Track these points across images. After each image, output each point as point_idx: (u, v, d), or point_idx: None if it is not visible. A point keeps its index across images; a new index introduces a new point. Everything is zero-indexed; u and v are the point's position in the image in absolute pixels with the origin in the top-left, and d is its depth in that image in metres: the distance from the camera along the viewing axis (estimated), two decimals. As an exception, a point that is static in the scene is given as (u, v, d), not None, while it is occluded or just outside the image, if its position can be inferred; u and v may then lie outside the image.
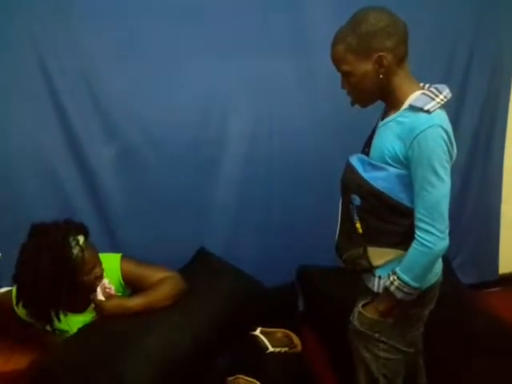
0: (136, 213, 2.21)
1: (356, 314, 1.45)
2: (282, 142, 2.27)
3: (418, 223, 1.26)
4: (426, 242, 1.24)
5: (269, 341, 1.89)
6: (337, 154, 2.21)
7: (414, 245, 1.27)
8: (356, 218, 1.36)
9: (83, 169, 2.11)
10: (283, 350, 1.90)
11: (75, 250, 1.56)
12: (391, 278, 1.32)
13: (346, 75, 1.31)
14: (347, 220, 1.40)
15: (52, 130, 2.04)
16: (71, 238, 1.57)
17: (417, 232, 1.26)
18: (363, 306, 1.43)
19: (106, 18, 1.97)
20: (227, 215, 2.30)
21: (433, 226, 1.23)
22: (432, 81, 1.34)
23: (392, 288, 1.31)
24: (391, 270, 1.34)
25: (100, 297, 1.65)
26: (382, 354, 1.42)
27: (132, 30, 2.01)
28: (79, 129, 2.06)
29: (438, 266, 1.40)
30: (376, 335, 1.40)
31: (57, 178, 2.10)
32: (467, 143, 2.48)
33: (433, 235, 1.24)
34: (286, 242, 2.37)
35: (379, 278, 1.38)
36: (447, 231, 1.26)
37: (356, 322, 1.44)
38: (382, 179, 1.29)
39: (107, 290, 1.67)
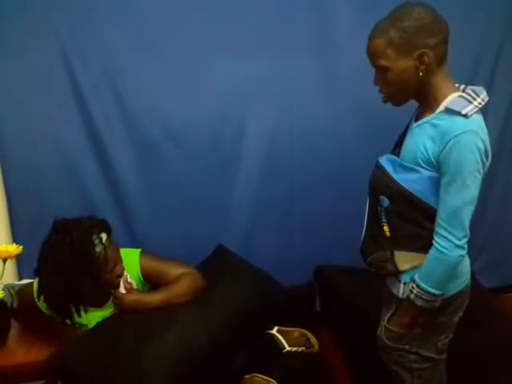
0: (155, 209, 2.22)
1: (383, 329, 1.41)
2: (303, 141, 2.25)
3: (437, 228, 1.23)
4: (442, 249, 1.21)
5: (286, 340, 1.88)
6: (358, 153, 2.23)
7: (431, 251, 1.25)
8: (384, 220, 1.33)
9: (104, 164, 2.13)
10: (300, 349, 1.89)
11: (98, 248, 1.56)
12: (410, 286, 1.29)
13: (382, 71, 1.25)
14: (374, 222, 1.37)
15: (74, 125, 2.07)
16: (94, 236, 1.57)
17: (434, 237, 1.24)
18: (388, 319, 1.39)
19: (129, 15, 1.99)
20: (246, 213, 2.29)
21: (450, 233, 1.20)
22: (456, 82, 1.31)
23: (412, 296, 1.29)
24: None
25: (121, 290, 1.66)
26: (414, 365, 1.39)
27: (154, 27, 2.02)
28: (101, 124, 2.08)
29: (466, 271, 1.36)
30: (406, 347, 1.37)
31: (78, 173, 2.13)
32: (492, 146, 2.42)
33: (449, 242, 1.21)
34: (305, 241, 2.35)
35: (405, 284, 1.35)
36: (465, 240, 1.22)
37: (384, 337, 1.40)
38: (414, 181, 1.25)
39: (128, 284, 1.68)
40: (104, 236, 1.60)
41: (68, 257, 1.52)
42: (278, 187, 2.29)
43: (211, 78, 2.11)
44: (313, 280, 2.37)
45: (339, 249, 2.26)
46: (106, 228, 1.64)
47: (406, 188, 1.26)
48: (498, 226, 2.58)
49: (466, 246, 1.23)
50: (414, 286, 1.28)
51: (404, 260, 1.33)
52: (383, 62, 1.23)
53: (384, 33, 1.21)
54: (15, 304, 1.79)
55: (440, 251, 1.22)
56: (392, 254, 1.33)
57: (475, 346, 1.86)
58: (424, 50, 1.19)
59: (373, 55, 1.26)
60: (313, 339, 1.95)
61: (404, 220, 1.29)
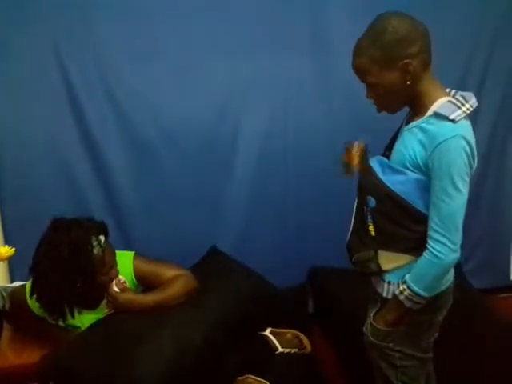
0: (148, 209, 2.22)
1: (368, 326, 1.43)
2: (297, 140, 2.27)
3: (431, 233, 1.24)
4: (437, 253, 1.23)
5: (279, 341, 1.89)
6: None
7: (424, 254, 1.26)
8: (369, 220, 1.35)
9: (97, 164, 2.14)
10: (293, 350, 1.90)
11: (96, 250, 1.56)
12: (401, 288, 1.30)
13: (371, 86, 1.28)
14: (360, 221, 1.39)
15: (68, 125, 2.08)
16: (93, 237, 1.57)
17: (429, 242, 1.25)
18: (374, 316, 1.41)
19: (124, 15, 2.00)
20: (240, 213, 2.30)
21: (446, 237, 1.22)
22: (447, 86, 1.32)
23: (401, 297, 1.30)
24: (401, 278, 1.32)
25: (115, 289, 1.66)
26: (398, 362, 1.40)
27: (149, 28, 2.03)
28: (94, 124, 2.09)
29: (450, 272, 1.37)
30: (390, 345, 1.38)
31: (71, 173, 2.13)
32: (482, 149, 2.45)
33: (445, 246, 1.22)
34: (299, 241, 2.36)
35: (388, 283, 1.37)
36: (459, 243, 1.24)
37: (369, 334, 1.42)
38: (401, 183, 1.27)
39: (121, 284, 1.67)
40: (102, 238, 1.60)
41: (65, 256, 1.52)
42: (273, 186, 2.30)
43: (205, 78, 2.13)
44: (307, 281, 2.37)
45: (334, 249, 2.24)
46: (104, 230, 1.64)
47: (392, 189, 1.28)
48: (489, 227, 2.61)
49: (459, 250, 1.25)
50: (406, 287, 1.29)
51: (387, 260, 1.34)
52: (370, 79, 1.26)
53: (365, 51, 1.24)
54: (7, 306, 1.78)
55: (435, 255, 1.23)
56: (376, 253, 1.35)
57: (466, 347, 1.88)
58: (407, 61, 1.21)
59: (359, 73, 1.29)
60: (305, 340, 1.96)
61: (389, 221, 1.31)
